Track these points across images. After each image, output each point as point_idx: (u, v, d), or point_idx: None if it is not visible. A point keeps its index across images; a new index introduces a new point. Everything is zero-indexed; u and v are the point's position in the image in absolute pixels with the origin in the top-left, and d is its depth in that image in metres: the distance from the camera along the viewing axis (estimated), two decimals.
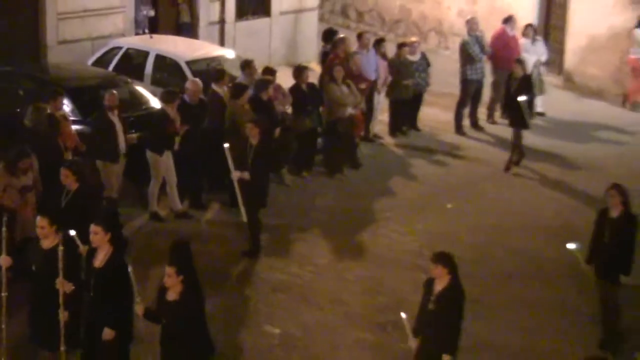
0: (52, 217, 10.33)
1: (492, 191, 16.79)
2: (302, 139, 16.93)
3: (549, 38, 21.98)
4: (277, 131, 16.14)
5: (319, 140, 17.41)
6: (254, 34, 22.04)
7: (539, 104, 20.30)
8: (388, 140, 18.84)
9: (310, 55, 22.01)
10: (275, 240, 14.77)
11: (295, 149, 16.94)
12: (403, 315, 10.28)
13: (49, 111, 14.47)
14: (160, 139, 14.98)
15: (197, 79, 15.91)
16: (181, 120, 15.05)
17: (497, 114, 19.73)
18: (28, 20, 19.47)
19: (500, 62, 19.09)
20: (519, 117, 17.04)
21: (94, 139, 14.79)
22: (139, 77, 17.70)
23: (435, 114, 19.82)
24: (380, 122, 19.01)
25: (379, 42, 18.84)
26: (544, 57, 20.13)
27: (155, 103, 16.27)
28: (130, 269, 9.78)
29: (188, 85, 15.72)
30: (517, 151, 17.42)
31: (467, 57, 19.24)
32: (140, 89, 16.97)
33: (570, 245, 11.77)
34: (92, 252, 10.21)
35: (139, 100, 16.47)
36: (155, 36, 19.57)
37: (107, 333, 9.95)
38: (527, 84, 17.30)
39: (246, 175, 13.77)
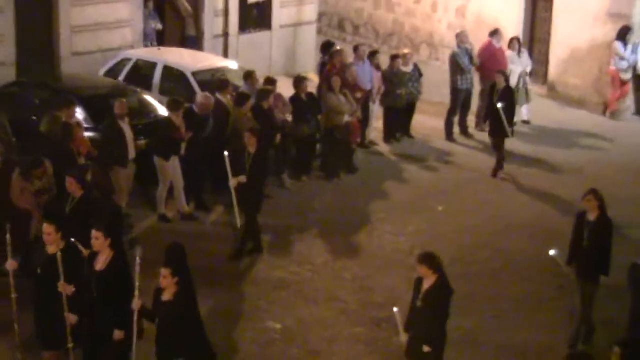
0: (58, 224, 10.26)
1: (480, 195, 16.80)
2: (302, 145, 16.98)
3: (533, 50, 22.00)
4: (278, 138, 16.19)
5: (318, 146, 17.45)
6: (256, 46, 22.06)
7: (525, 113, 20.36)
8: (383, 146, 18.85)
9: (309, 66, 22.02)
10: (275, 240, 14.78)
11: (295, 154, 16.99)
12: (395, 309, 10.35)
13: (63, 119, 14.51)
14: (166, 145, 15.00)
15: (209, 94, 15.86)
16: (186, 127, 15.08)
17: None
18: (43, 33, 19.49)
19: (487, 73, 19.10)
20: (499, 126, 17.03)
21: (104, 145, 14.81)
22: (148, 87, 17.71)
23: (427, 122, 19.84)
24: (375, 129, 19.03)
25: (374, 54, 18.87)
26: (529, 68, 20.16)
27: (163, 111, 16.28)
28: (138, 262, 9.72)
29: (200, 99, 15.71)
30: (499, 158, 17.36)
31: (456, 68, 19.26)
32: (149, 98, 16.99)
33: (552, 252, 11.84)
34: (94, 255, 10.17)
35: (147, 109, 16.49)
36: (162, 48, 19.57)
37: (117, 334, 9.92)
38: (509, 95, 17.27)
39: (242, 179, 13.76)
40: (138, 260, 9.73)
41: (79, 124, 14.78)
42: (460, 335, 12.16)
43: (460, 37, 19.49)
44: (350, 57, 18.72)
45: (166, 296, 9.72)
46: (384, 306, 12.35)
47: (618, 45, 20.18)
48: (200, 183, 15.68)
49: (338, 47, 19.15)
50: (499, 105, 16.76)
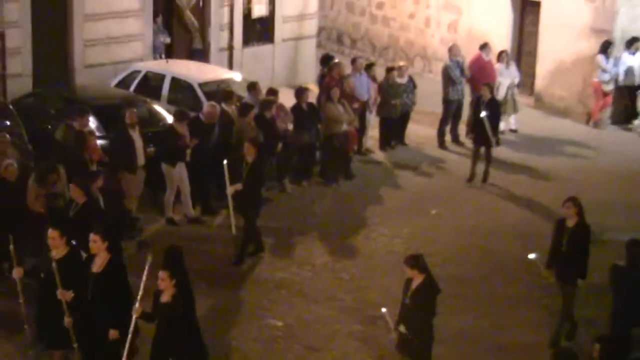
0: (62, 229, 10.22)
1: (471, 199, 16.80)
2: (302, 152, 16.98)
3: (521, 63, 22.00)
4: (280, 145, 16.19)
5: (317, 153, 17.44)
6: (259, 59, 22.06)
7: (513, 122, 20.37)
8: (378, 153, 18.83)
9: (309, 78, 22.02)
10: (277, 242, 14.78)
11: (296, 161, 16.98)
12: (383, 310, 10.41)
13: (76, 128, 14.52)
14: (171, 153, 15.00)
15: (215, 104, 15.86)
16: (191, 135, 15.08)
17: None
18: (58, 46, 19.50)
19: (477, 84, 19.07)
20: (484, 136, 16.98)
21: (114, 151, 14.80)
22: (157, 97, 17.70)
23: (420, 130, 19.83)
24: (372, 137, 19.01)
25: (370, 66, 18.90)
26: (516, 80, 20.16)
27: (171, 120, 16.25)
28: (147, 269, 9.69)
29: (207, 108, 15.72)
30: (474, 165, 17.30)
31: (448, 79, 19.26)
32: (158, 107, 16.98)
33: (531, 256, 11.84)
34: (92, 258, 10.12)
35: (156, 118, 16.48)
36: (170, 61, 19.57)
37: (112, 333, 9.86)
38: (494, 107, 17.21)
39: (238, 186, 13.68)
40: (147, 266, 9.71)
41: (91, 132, 14.77)
42: (451, 333, 12.17)
43: (453, 51, 19.50)
44: (348, 69, 18.73)
45: (164, 298, 9.68)
46: (379, 305, 12.28)
47: (600, 58, 20.19)
48: (206, 188, 15.67)
49: (336, 60, 19.18)
50: (483, 114, 16.73)
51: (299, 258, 14.30)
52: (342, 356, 11.71)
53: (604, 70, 20.17)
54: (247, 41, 22.14)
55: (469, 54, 19.92)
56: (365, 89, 18.25)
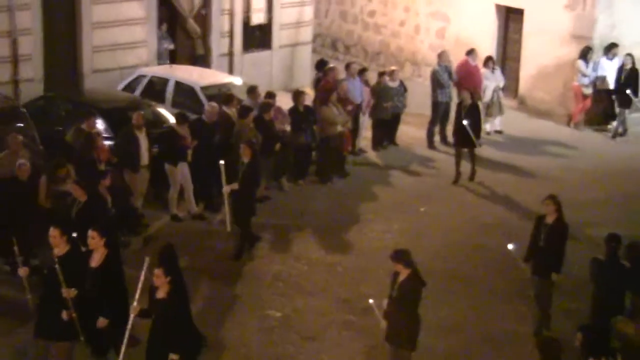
0: (63, 228, 10.15)
1: (459, 197, 16.79)
2: (299, 152, 16.95)
3: (505, 68, 21.99)
4: (278, 146, 16.16)
5: (313, 153, 17.41)
6: (258, 64, 22.03)
7: (498, 123, 20.36)
8: (371, 153, 18.80)
9: (305, 82, 21.99)
10: (274, 237, 14.76)
11: (293, 160, 16.95)
12: (371, 301, 10.40)
13: (85, 129, 14.49)
14: (172, 153, 14.98)
15: (215, 103, 15.87)
16: (193, 136, 15.06)
17: None
18: (68, 52, 19.46)
19: (463, 88, 19.07)
20: (467, 138, 16.94)
21: (118, 150, 14.73)
22: (161, 101, 17.66)
23: (410, 132, 19.81)
24: (365, 138, 18.98)
25: (363, 71, 18.86)
26: (501, 84, 20.16)
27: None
28: (144, 269, 9.64)
29: (207, 108, 15.75)
30: (458, 167, 17.21)
31: (437, 83, 19.24)
32: (162, 110, 16.95)
33: (510, 246, 11.83)
34: (90, 253, 10.07)
35: (160, 120, 16.44)
36: (174, 66, 19.54)
37: (101, 321, 9.84)
38: (475, 111, 17.14)
39: (234, 186, 13.62)
40: (145, 267, 9.64)
41: (99, 133, 14.76)
42: (440, 324, 12.18)
43: (442, 57, 19.48)
44: (342, 74, 18.70)
45: (160, 294, 9.62)
46: (372, 296, 12.22)
47: (580, 63, 20.19)
48: (208, 186, 15.62)
49: (331, 65, 19.14)
50: (465, 122, 16.66)
51: (295, 252, 14.28)
52: (337, 345, 11.71)
53: (584, 75, 20.18)
54: (246, 47, 22.11)
55: (456, 59, 19.90)
56: (359, 92, 18.22)
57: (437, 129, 19.50)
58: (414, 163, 18.42)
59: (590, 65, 20.15)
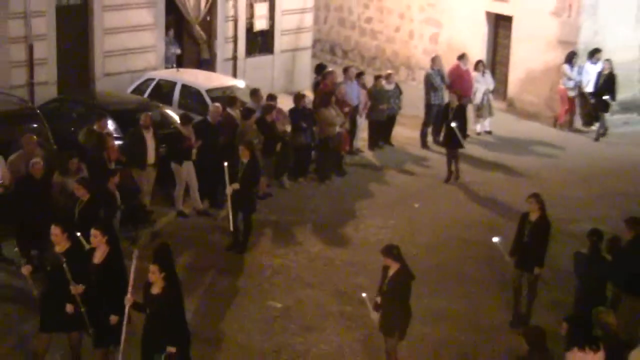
0: (64, 226, 10.10)
1: (450, 194, 16.80)
2: (299, 152, 16.96)
3: (495, 71, 21.99)
4: (279, 146, 16.19)
5: (312, 153, 17.43)
6: (260, 68, 22.03)
7: (487, 124, 20.38)
8: (367, 153, 18.81)
9: (305, 85, 22.00)
10: (276, 232, 14.78)
11: (293, 160, 16.97)
12: (364, 295, 10.43)
13: (96, 130, 14.51)
14: (177, 153, 15.00)
15: (218, 104, 15.88)
16: (196, 137, 15.07)
17: None
18: (80, 57, 19.44)
19: (455, 91, 19.06)
20: (454, 140, 16.94)
21: (126, 149, 14.74)
22: (168, 103, 17.66)
23: (405, 132, 19.82)
24: (361, 139, 18.99)
25: (360, 75, 18.87)
26: (491, 87, 20.16)
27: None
28: (134, 262, 9.60)
29: (211, 108, 15.76)
30: (449, 166, 17.17)
31: (430, 86, 19.26)
32: (169, 111, 16.96)
33: (495, 239, 11.86)
34: (93, 250, 10.03)
35: (168, 121, 16.44)
36: (181, 70, 19.53)
37: (113, 319, 9.79)
38: (461, 113, 17.15)
39: (236, 186, 13.59)
40: (134, 263, 9.60)
41: (109, 134, 14.76)
42: (432, 313, 12.21)
43: (435, 61, 19.50)
44: (340, 77, 18.71)
45: (155, 290, 9.56)
46: (368, 288, 12.31)
47: (566, 67, 20.20)
48: (213, 184, 15.65)
49: (330, 69, 19.15)
50: (453, 124, 16.64)
51: (295, 246, 14.30)
52: (335, 334, 11.72)
53: (569, 78, 20.19)
54: (249, 52, 22.12)
55: (448, 63, 19.92)
56: (356, 95, 18.23)
57: (430, 129, 19.51)
58: (408, 162, 18.43)
59: (575, 69, 20.17)
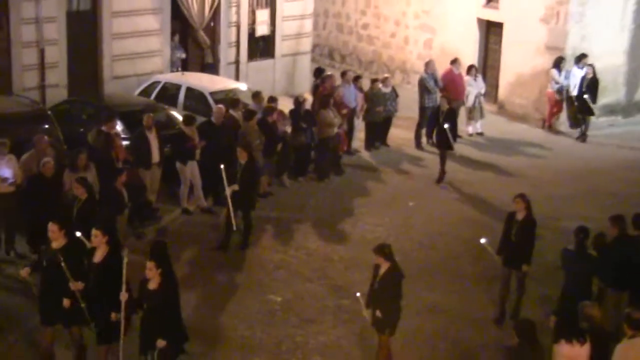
0: (61, 223, 10.02)
1: (443, 193, 16.78)
2: (299, 152, 16.94)
3: (486, 75, 21.96)
4: (279, 146, 16.17)
5: (312, 153, 17.41)
6: (262, 71, 22.01)
7: (479, 126, 20.36)
8: (364, 153, 18.78)
9: (305, 88, 21.98)
10: (276, 229, 14.76)
11: (293, 159, 16.95)
12: (358, 294, 10.48)
13: (105, 131, 14.49)
14: (181, 153, 14.97)
15: (222, 106, 15.87)
16: (200, 137, 15.05)
17: None
18: (90, 61, 19.40)
19: (448, 94, 19.04)
20: (445, 141, 16.86)
21: (132, 150, 14.70)
22: (174, 104, 17.64)
23: (400, 133, 19.80)
24: (358, 139, 18.98)
25: (357, 78, 18.82)
26: (483, 90, 20.15)
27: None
28: (125, 260, 9.54)
29: (215, 110, 15.77)
30: (442, 168, 17.09)
31: (424, 89, 19.24)
32: (175, 113, 16.94)
33: (482, 240, 11.83)
34: (93, 250, 9.96)
35: (173, 122, 16.43)
36: (186, 73, 19.49)
37: (114, 316, 9.70)
38: (452, 116, 17.10)
39: (235, 187, 13.52)
40: (125, 260, 9.56)
41: (117, 134, 14.74)
42: (426, 307, 12.21)
43: (429, 65, 19.47)
44: (338, 81, 18.68)
45: (152, 285, 9.49)
46: (365, 282, 12.29)
47: (554, 72, 20.19)
48: (216, 182, 15.60)
49: (328, 73, 19.13)
50: (446, 126, 16.56)
51: (295, 243, 14.29)
52: (333, 327, 11.72)
53: (557, 82, 20.18)
54: (251, 56, 22.08)
55: (441, 67, 19.89)
56: (353, 97, 18.20)
57: (424, 131, 19.49)
58: (403, 162, 18.41)
59: (563, 73, 20.16)
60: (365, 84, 19.23)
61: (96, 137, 14.54)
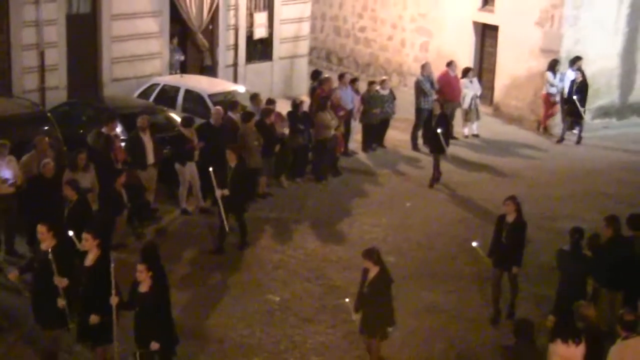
0: (50, 224, 9.99)
1: (440, 193, 16.77)
2: (297, 153, 16.93)
3: (482, 78, 21.97)
4: (277, 147, 16.16)
5: (309, 154, 17.40)
6: (260, 74, 22.01)
7: (475, 128, 20.36)
8: (361, 155, 18.78)
9: (302, 90, 21.98)
10: (275, 229, 14.75)
11: (291, 160, 16.94)
12: (347, 299, 10.41)
13: (105, 132, 14.47)
14: (180, 154, 14.96)
15: (220, 107, 15.86)
16: (199, 139, 15.03)
17: None
18: (89, 63, 19.40)
19: (444, 96, 19.09)
20: (438, 145, 16.80)
21: (128, 151, 14.68)
22: (172, 106, 17.62)
23: (396, 135, 19.79)
24: (355, 141, 18.98)
25: (354, 81, 18.82)
26: (479, 92, 20.15)
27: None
28: (112, 265, 9.51)
29: (213, 111, 15.76)
30: (436, 171, 17.01)
31: (420, 91, 19.23)
32: (173, 115, 16.92)
33: (474, 244, 11.82)
34: (85, 253, 9.92)
35: (172, 124, 16.40)
36: (185, 75, 19.49)
37: (93, 318, 9.66)
38: (445, 119, 17.03)
39: (226, 192, 13.44)
40: (112, 265, 9.52)
41: (116, 135, 14.73)
42: (422, 306, 12.20)
43: (425, 68, 19.48)
44: (335, 83, 18.68)
45: (142, 288, 9.45)
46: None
47: (549, 74, 20.19)
48: (208, 185, 15.56)
49: (326, 75, 19.12)
50: (439, 130, 16.49)
51: (293, 243, 14.27)
52: (330, 326, 11.70)
53: (552, 85, 20.17)
54: (249, 59, 22.08)
55: (437, 70, 19.90)
56: (350, 99, 18.20)
57: (420, 132, 19.48)
58: (400, 164, 18.40)
59: (558, 76, 20.16)
60: (363, 86, 19.22)
61: (96, 139, 14.53)
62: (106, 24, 19.31)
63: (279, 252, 13.90)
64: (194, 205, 15.34)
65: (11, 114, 15.16)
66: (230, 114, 16.03)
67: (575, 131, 20.27)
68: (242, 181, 13.88)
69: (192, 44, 21.29)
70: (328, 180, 17.09)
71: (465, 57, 21.97)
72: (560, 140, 19.98)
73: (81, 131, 15.65)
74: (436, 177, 17.05)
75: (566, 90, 19.88)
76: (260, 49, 22.36)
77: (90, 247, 9.84)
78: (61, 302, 9.73)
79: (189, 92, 17.90)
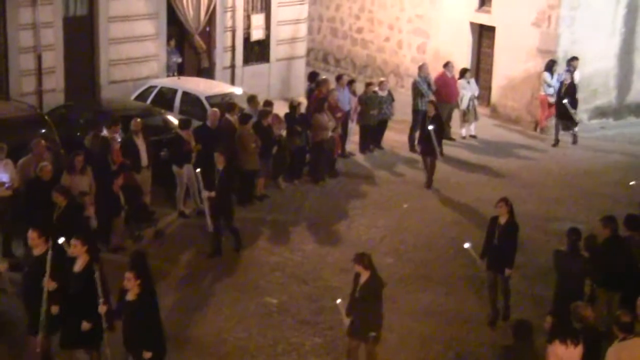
0: (41, 230, 9.93)
1: (437, 195, 16.75)
2: (294, 154, 16.91)
3: (479, 79, 21.96)
4: (275, 149, 16.14)
5: (307, 156, 17.37)
6: (257, 76, 22.00)
7: (472, 128, 20.34)
8: (359, 156, 18.76)
9: (300, 92, 21.96)
10: (272, 231, 14.73)
11: (289, 162, 16.92)
12: (338, 301, 10.31)
13: (105, 135, 14.44)
14: (178, 156, 14.93)
15: (217, 109, 15.84)
16: (195, 141, 15.00)
17: None
18: (86, 65, 19.39)
19: (441, 97, 19.11)
20: (430, 148, 16.68)
21: (122, 155, 14.63)
22: (170, 109, 17.59)
23: (394, 136, 19.77)
24: (353, 142, 18.96)
25: (351, 82, 18.82)
26: (476, 93, 20.14)
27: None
28: (96, 274, 9.45)
29: (210, 113, 15.74)
30: (430, 174, 16.90)
31: (417, 93, 19.22)
32: (171, 117, 16.90)
33: (466, 245, 11.79)
34: (73, 259, 9.84)
35: (169, 126, 16.39)
36: (182, 77, 19.49)
37: (84, 325, 9.60)
38: (438, 121, 16.93)
39: (212, 194, 13.39)
40: (97, 274, 9.46)
41: (114, 138, 14.69)
42: (420, 308, 12.18)
43: (422, 69, 19.46)
44: (332, 85, 18.67)
45: (130, 296, 9.35)
46: None
47: (546, 75, 20.18)
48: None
49: (323, 77, 19.10)
50: (430, 127, 16.42)
51: (291, 245, 14.25)
52: (328, 328, 11.67)
53: (549, 85, 20.15)
54: (246, 61, 22.08)
55: (435, 71, 19.90)
56: (347, 101, 18.19)
57: (417, 134, 19.45)
58: (397, 165, 18.38)
59: (555, 76, 20.15)
60: (360, 88, 19.20)
61: (93, 141, 14.50)
62: (103, 26, 19.30)
63: (276, 254, 13.88)
64: (191, 207, 15.31)
65: (8, 116, 15.11)
66: (227, 116, 16.00)
67: (571, 132, 20.26)
68: (229, 185, 13.82)
69: (189, 46, 21.27)
70: (325, 181, 17.07)
71: (463, 58, 21.96)
72: (555, 143, 19.95)
73: (78, 134, 15.62)
74: (429, 179, 16.96)
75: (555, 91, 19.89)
76: (257, 51, 22.35)
77: (79, 253, 9.77)
78: (54, 309, 9.68)
79: (186, 94, 17.87)
